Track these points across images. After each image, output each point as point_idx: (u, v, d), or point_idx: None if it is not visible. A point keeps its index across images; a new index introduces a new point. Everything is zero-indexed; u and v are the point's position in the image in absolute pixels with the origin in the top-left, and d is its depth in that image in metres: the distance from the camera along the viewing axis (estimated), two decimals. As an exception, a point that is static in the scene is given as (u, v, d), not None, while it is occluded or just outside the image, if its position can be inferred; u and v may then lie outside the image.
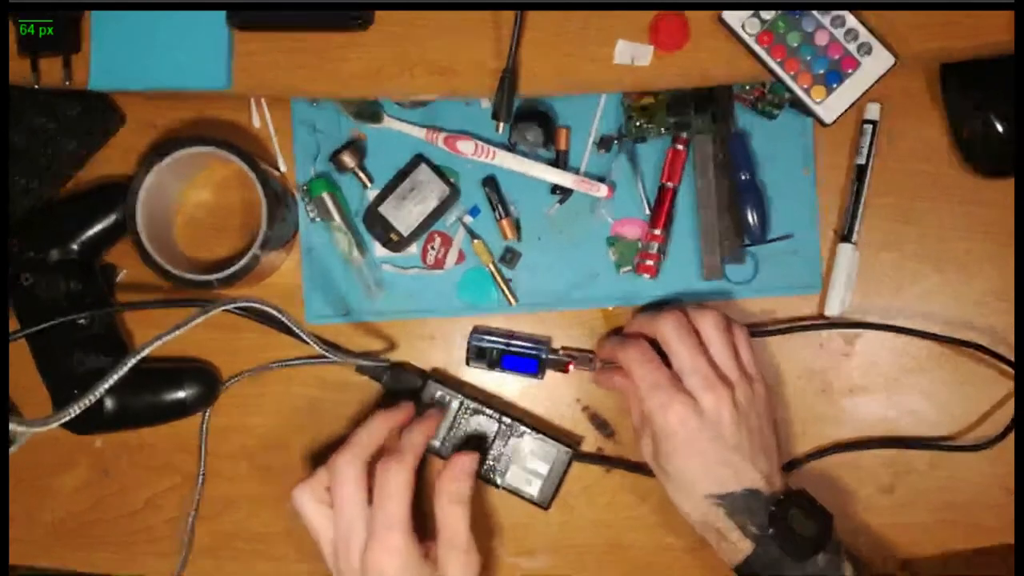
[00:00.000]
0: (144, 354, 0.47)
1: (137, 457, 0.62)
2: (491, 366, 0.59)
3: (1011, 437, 0.58)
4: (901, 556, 0.60)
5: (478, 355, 0.59)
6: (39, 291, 0.56)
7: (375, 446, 0.53)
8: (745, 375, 0.54)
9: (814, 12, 0.52)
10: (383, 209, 0.59)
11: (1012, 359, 0.59)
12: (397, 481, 0.50)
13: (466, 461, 0.53)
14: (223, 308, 0.50)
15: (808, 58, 0.52)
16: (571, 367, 0.59)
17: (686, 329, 0.53)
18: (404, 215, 0.59)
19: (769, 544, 0.50)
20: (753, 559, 0.50)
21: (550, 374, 0.61)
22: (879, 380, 0.61)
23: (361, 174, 0.60)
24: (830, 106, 0.53)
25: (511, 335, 0.60)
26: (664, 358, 0.54)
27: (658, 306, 0.59)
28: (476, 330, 0.61)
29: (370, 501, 0.51)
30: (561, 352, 0.60)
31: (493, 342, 0.59)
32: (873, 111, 0.59)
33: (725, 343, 0.54)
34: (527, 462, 0.59)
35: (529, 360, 0.58)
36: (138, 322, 0.62)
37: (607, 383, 0.58)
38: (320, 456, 0.62)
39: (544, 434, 0.59)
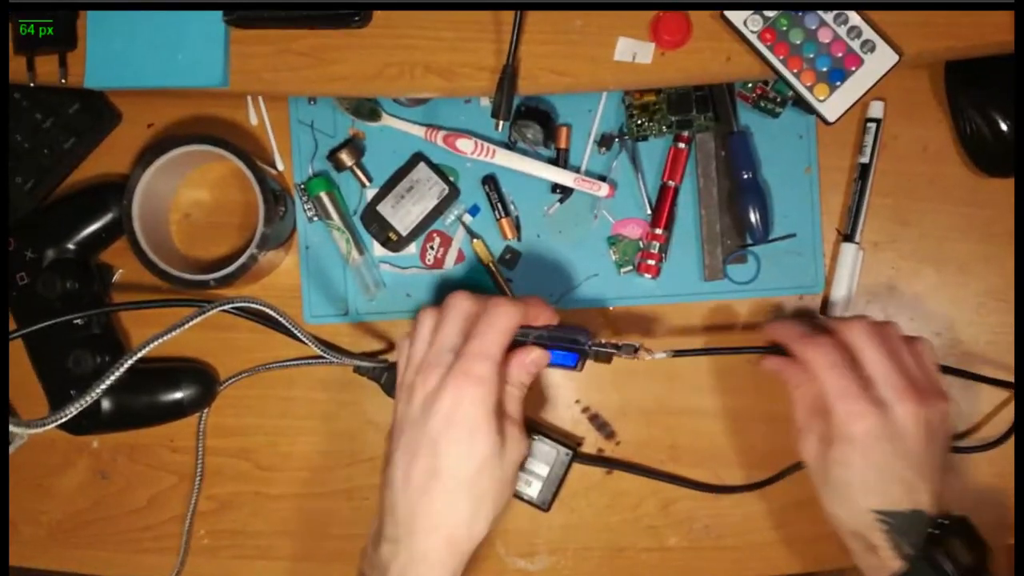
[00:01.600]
0: (141, 355, 0.46)
1: (135, 457, 0.62)
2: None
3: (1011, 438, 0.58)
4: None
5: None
6: (35, 291, 0.56)
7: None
8: (936, 390, 0.51)
9: (817, 9, 0.51)
10: (382, 208, 0.59)
11: (984, 375, 0.59)
12: (504, 316, 0.47)
13: (534, 356, 0.49)
14: (220, 308, 0.50)
15: (811, 56, 0.52)
16: (613, 356, 0.52)
17: (879, 335, 0.50)
18: (403, 214, 0.59)
19: (922, 567, 0.47)
20: None
21: (553, 375, 0.61)
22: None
23: (359, 173, 0.59)
24: (833, 104, 0.52)
25: (550, 327, 0.52)
26: None
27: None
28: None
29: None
30: (603, 343, 0.52)
31: (537, 336, 0.51)
32: (876, 109, 0.59)
33: (914, 354, 0.51)
34: (527, 463, 0.59)
35: (569, 354, 0.52)
36: (135, 322, 0.62)
37: (779, 373, 0.55)
38: (318, 458, 0.62)
39: (544, 435, 0.59)
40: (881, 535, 0.48)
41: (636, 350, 0.52)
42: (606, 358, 0.52)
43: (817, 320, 0.57)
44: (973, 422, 0.60)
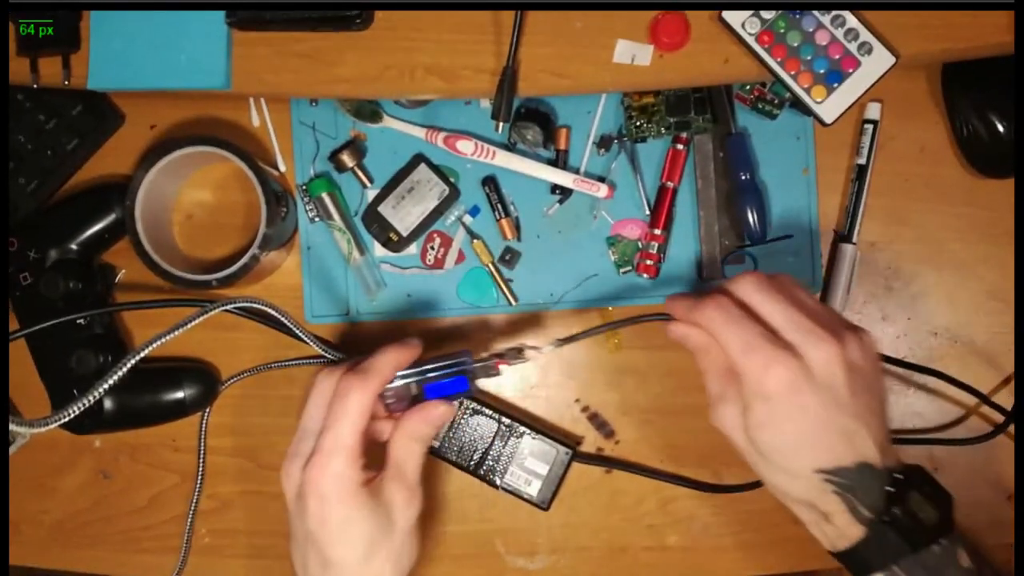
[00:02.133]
0: (143, 354, 0.47)
1: (137, 457, 0.62)
2: (413, 403, 0.50)
3: (1009, 432, 0.58)
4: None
5: (396, 401, 0.50)
6: (38, 291, 0.56)
7: None
8: (850, 326, 0.45)
9: (814, 12, 0.52)
10: (382, 209, 0.59)
11: (970, 386, 0.58)
12: (353, 402, 0.46)
13: (441, 411, 0.48)
14: (222, 308, 0.50)
15: (808, 58, 0.52)
16: (500, 366, 0.51)
17: (771, 285, 0.45)
18: (404, 215, 0.59)
19: (884, 530, 0.42)
20: (863, 546, 0.43)
21: (553, 374, 0.61)
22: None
23: (360, 174, 0.60)
24: (830, 106, 0.53)
25: (423, 363, 0.50)
26: None
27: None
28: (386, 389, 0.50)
29: None
30: (485, 356, 0.51)
31: (406, 377, 0.49)
32: (874, 111, 0.59)
33: (813, 298, 0.46)
34: (527, 463, 0.59)
35: (456, 380, 0.50)
36: (137, 322, 0.62)
37: (683, 338, 0.49)
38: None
39: (544, 434, 0.59)
40: (832, 499, 0.43)
41: (521, 351, 0.50)
42: (495, 372, 0.50)
43: (710, 286, 0.53)
44: (974, 421, 0.61)
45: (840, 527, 0.43)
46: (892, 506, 0.43)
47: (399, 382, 0.49)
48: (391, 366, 0.48)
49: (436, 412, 0.49)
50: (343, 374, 0.47)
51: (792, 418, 0.43)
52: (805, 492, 0.44)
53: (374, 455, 0.48)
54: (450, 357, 0.50)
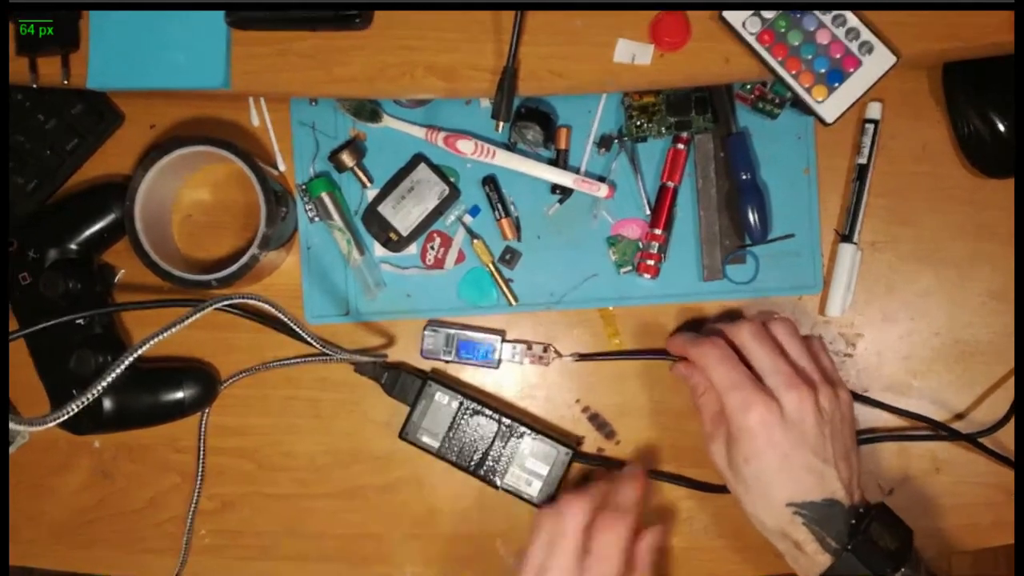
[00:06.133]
0: (141, 352, 0.46)
1: (136, 457, 0.62)
2: (447, 353, 0.60)
3: (1008, 429, 0.58)
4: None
5: (434, 342, 0.60)
6: (38, 291, 0.56)
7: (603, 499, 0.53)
8: (827, 379, 0.52)
9: (815, 11, 0.52)
10: (382, 209, 0.59)
11: (954, 428, 0.59)
12: (617, 540, 0.50)
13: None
14: (217, 305, 0.50)
15: (809, 57, 0.52)
16: (526, 359, 0.60)
17: (764, 334, 0.53)
18: (403, 215, 0.59)
19: (849, 559, 0.48)
20: (830, 573, 0.49)
21: (553, 375, 0.61)
22: (882, 381, 0.60)
23: (360, 174, 0.60)
24: (831, 105, 0.53)
25: (466, 325, 0.61)
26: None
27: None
28: (431, 322, 0.61)
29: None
30: (516, 343, 0.60)
31: (449, 329, 0.60)
32: (875, 110, 0.59)
33: (803, 347, 0.53)
34: (527, 463, 0.59)
35: (487, 345, 0.60)
36: (137, 322, 0.62)
37: (684, 378, 0.57)
38: (320, 457, 0.62)
39: (544, 435, 0.59)
40: (803, 530, 0.49)
41: (546, 350, 0.60)
42: (519, 359, 0.61)
43: (708, 325, 0.59)
44: (975, 421, 0.60)
45: (810, 555, 0.49)
46: (855, 536, 0.48)
47: (444, 332, 0.60)
48: (636, 500, 0.53)
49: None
50: (601, 512, 0.51)
51: (768, 454, 0.49)
52: (779, 524, 0.50)
53: None
54: (487, 331, 0.60)
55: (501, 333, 0.61)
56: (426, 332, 0.60)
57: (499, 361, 0.60)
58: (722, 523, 0.61)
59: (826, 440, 0.50)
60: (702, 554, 0.61)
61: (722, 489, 0.60)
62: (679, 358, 0.57)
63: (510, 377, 0.61)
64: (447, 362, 0.61)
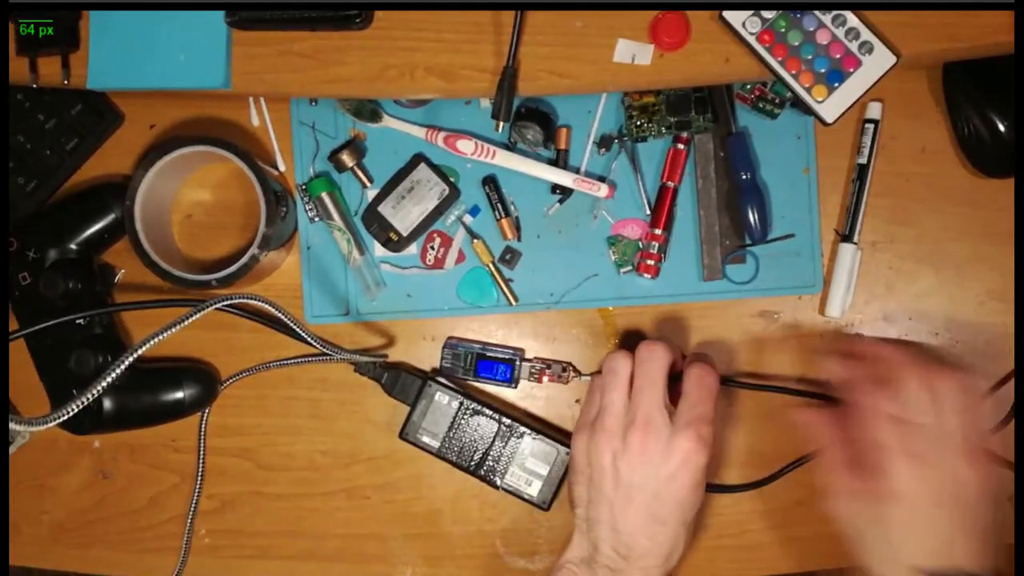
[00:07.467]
0: (140, 352, 0.46)
1: (136, 457, 0.62)
2: (465, 372, 0.60)
3: (1007, 429, 0.58)
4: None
5: (453, 360, 0.60)
6: (38, 291, 0.56)
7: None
8: (990, 453, 0.49)
9: (815, 11, 0.52)
10: (382, 209, 0.59)
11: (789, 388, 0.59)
12: (658, 366, 0.53)
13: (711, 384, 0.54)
14: (217, 305, 0.50)
15: (809, 57, 0.52)
16: (545, 378, 0.60)
17: (941, 392, 0.50)
18: (403, 215, 0.59)
19: None
20: None
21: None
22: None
23: (360, 173, 0.60)
24: (831, 105, 0.53)
25: (485, 343, 0.61)
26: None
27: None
28: (451, 339, 0.61)
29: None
30: (536, 361, 0.60)
31: (468, 347, 0.60)
32: (875, 110, 0.59)
33: (977, 412, 0.50)
34: (527, 463, 0.59)
35: (505, 365, 0.60)
36: (137, 322, 0.62)
37: (811, 425, 0.54)
38: (320, 457, 0.62)
39: (544, 435, 0.59)
40: None
41: (565, 370, 0.60)
42: (538, 379, 0.61)
43: (867, 351, 0.55)
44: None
45: None
46: None
47: (462, 350, 0.60)
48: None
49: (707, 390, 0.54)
50: (643, 344, 0.54)
51: (913, 520, 0.48)
52: None
53: None
54: (507, 349, 0.60)
55: (520, 352, 0.61)
56: (444, 350, 0.60)
57: (517, 381, 0.60)
58: (722, 523, 0.61)
59: (971, 513, 0.48)
60: (702, 554, 0.61)
61: (722, 489, 0.60)
62: (806, 394, 0.57)
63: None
64: (464, 380, 0.61)
